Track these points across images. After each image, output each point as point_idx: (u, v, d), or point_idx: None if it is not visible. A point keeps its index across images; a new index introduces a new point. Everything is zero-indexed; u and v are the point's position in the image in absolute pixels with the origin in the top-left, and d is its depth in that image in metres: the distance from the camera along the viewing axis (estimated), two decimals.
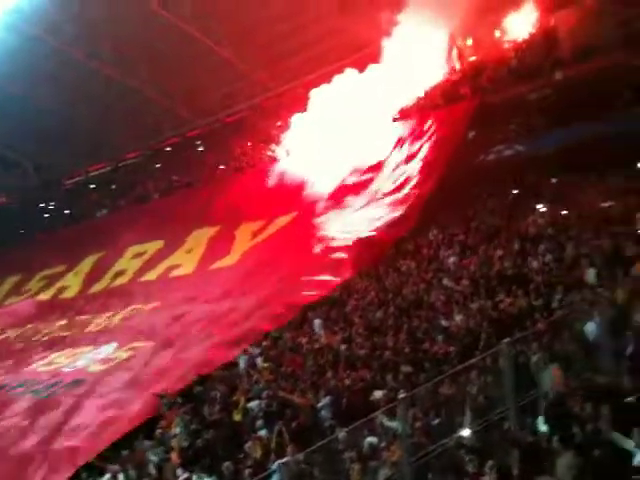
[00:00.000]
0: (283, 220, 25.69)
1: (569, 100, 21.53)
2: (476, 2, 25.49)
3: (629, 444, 6.97)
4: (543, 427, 8.48)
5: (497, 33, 26.79)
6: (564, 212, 17.36)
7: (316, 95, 29.21)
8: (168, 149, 39.19)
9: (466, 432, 9.11)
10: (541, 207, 18.77)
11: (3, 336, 27.21)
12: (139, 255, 29.06)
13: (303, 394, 13.21)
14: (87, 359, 20.32)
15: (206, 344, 18.52)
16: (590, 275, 12.70)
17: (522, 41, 25.67)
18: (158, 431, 14.55)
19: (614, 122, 20.52)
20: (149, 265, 27.88)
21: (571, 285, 12.55)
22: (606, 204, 16.36)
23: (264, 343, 17.12)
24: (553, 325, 10.74)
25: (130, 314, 24.05)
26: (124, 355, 19.46)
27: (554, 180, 20.82)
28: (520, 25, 26.15)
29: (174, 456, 13.33)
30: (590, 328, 10.11)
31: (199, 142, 38.01)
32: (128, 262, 29.07)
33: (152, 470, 13.40)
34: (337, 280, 19.37)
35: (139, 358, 18.86)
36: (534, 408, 9.03)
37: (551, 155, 21.28)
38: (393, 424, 9.83)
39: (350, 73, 28.13)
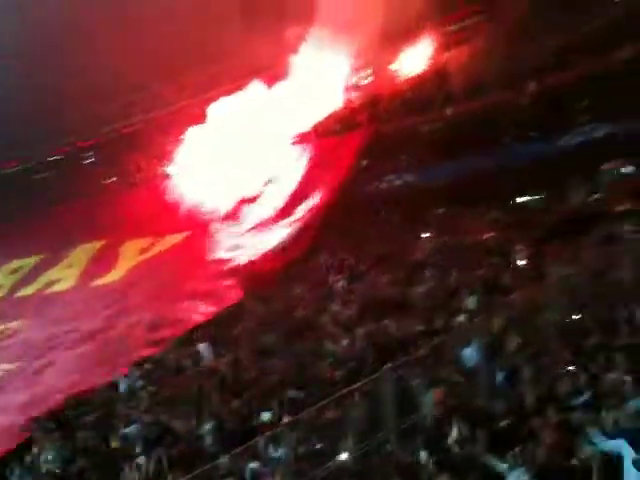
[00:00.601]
0: (173, 239, 25.12)
1: (458, 135, 22.54)
2: (375, 33, 26.30)
3: (502, 467, 7.21)
4: (422, 450, 8.64)
5: (394, 65, 27.70)
6: (448, 241, 18.03)
7: (214, 113, 28.96)
8: (56, 159, 37.48)
9: (345, 456, 9.13)
10: (427, 236, 19.44)
11: None
12: (17, 271, 27.48)
13: (185, 419, 12.81)
14: None
15: (82, 366, 17.68)
16: (470, 303, 13.22)
17: (416, 75, 26.66)
18: (28, 457, 13.63)
19: (499, 157, 21.69)
20: (26, 280, 26.40)
21: (453, 312, 12.97)
22: (487, 235, 17.12)
23: (145, 365, 16.52)
24: (434, 350, 11.03)
25: (2, 332, 22.61)
26: None
27: (440, 211, 21.65)
28: (416, 59, 27.16)
29: None
30: (468, 354, 10.47)
31: (90, 153, 36.61)
32: (4, 278, 27.40)
33: None
34: (225, 302, 19.11)
35: (10, 381, 17.71)
36: (415, 432, 9.19)
37: (439, 187, 22.13)
38: (277, 451, 9.71)
39: (250, 92, 28.13)
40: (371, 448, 9.30)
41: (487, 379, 9.52)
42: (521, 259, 14.58)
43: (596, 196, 17.15)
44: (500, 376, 9.52)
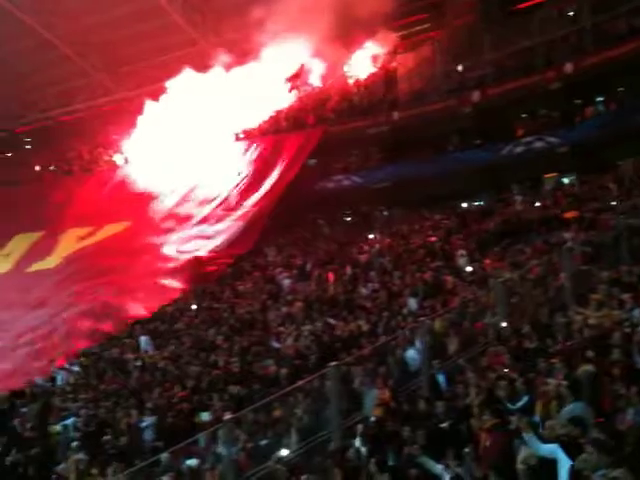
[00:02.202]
0: (113, 228, 24.69)
1: (403, 139, 23.00)
2: (327, 32, 26.43)
3: (438, 468, 7.42)
4: (363, 449, 8.82)
5: (344, 68, 27.91)
6: (393, 243, 18.35)
7: (161, 104, 28.54)
8: None
9: (285, 452, 9.22)
10: (372, 237, 19.74)
11: None
12: None
13: (126, 413, 12.65)
14: None
15: (17, 357, 17.24)
16: (412, 304, 13.51)
17: (365, 78, 26.95)
18: None
19: (443, 163, 22.22)
20: None
21: (395, 312, 13.24)
22: (430, 239, 17.50)
23: (83, 359, 16.23)
24: (377, 350, 11.25)
25: None
26: None
27: (385, 212, 22.02)
28: (364, 63, 27.45)
29: None
30: (410, 355, 10.73)
31: (28, 139, 35.49)
32: None
33: None
34: (168, 296, 18.95)
35: None
36: (357, 431, 9.35)
37: (384, 188, 22.52)
38: (218, 447, 9.72)
39: (199, 85, 27.80)
40: (314, 446, 9.41)
41: (429, 381, 9.77)
42: (463, 263, 14.97)
43: (537, 203, 17.75)
44: (441, 377, 9.82)
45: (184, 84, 27.75)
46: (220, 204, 23.87)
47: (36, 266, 23.72)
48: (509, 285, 11.55)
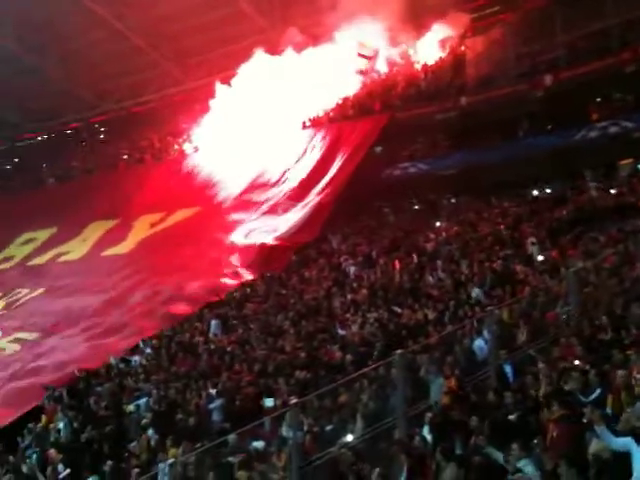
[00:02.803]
0: (184, 213, 25.22)
1: (472, 124, 22.53)
2: (395, 17, 26.21)
3: (507, 459, 7.31)
4: (429, 437, 8.78)
5: (410, 53, 27.60)
6: (460, 231, 18.07)
7: (229, 93, 28.97)
8: (69, 132, 37.59)
9: (350, 438, 9.26)
10: (439, 225, 19.50)
11: None
12: (30, 241, 27.71)
13: (195, 395, 12.99)
14: None
15: (94, 338, 17.91)
16: (479, 293, 13.29)
17: (432, 64, 26.56)
18: (39, 425, 13.87)
19: (512, 148, 21.70)
20: (39, 251, 26.68)
21: (462, 301, 13.06)
22: (499, 227, 17.16)
23: (155, 341, 16.71)
24: (444, 339, 11.14)
25: (15, 299, 22.89)
26: (8, 346, 18.45)
27: (452, 200, 21.69)
28: (431, 48, 27.05)
29: (53, 452, 12.74)
30: (478, 344, 10.57)
31: (103, 129, 36.71)
32: (17, 248, 27.65)
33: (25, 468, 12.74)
34: (237, 282, 19.28)
35: (24, 351, 17.96)
36: (422, 419, 9.31)
37: (452, 176, 22.19)
38: (284, 431, 9.87)
39: (267, 72, 28.05)
40: (379, 432, 9.43)
41: (498, 371, 9.61)
42: (534, 251, 14.60)
43: (612, 190, 17.13)
44: (509, 368, 9.64)
45: (252, 72, 28.07)
46: (286, 192, 24.05)
47: (110, 251, 24.51)
48: (582, 275, 11.21)
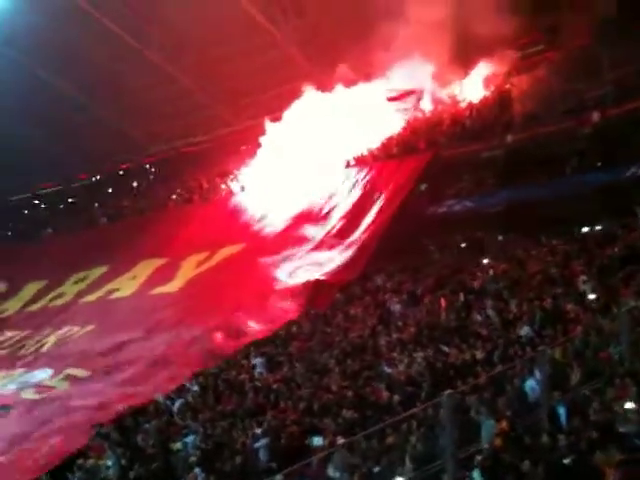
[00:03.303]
0: (229, 250, 25.55)
1: (518, 162, 22.39)
2: (437, 57, 26.50)
3: None
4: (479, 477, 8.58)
5: (455, 89, 27.77)
6: (508, 269, 17.81)
7: (275, 134, 29.54)
8: (121, 173, 38.76)
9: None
10: (486, 262, 19.25)
11: None
12: (81, 281, 28.41)
13: (241, 433, 13.00)
14: (19, 383, 19.61)
15: (142, 375, 18.13)
16: (530, 332, 13.03)
17: (477, 102, 26.64)
18: (89, 462, 14.04)
19: (560, 186, 21.43)
20: (90, 288, 27.31)
21: (512, 341, 12.82)
22: (549, 265, 16.86)
23: (201, 378, 16.82)
24: (494, 379, 10.93)
25: (65, 336, 23.41)
26: (59, 385, 18.83)
27: (500, 237, 21.45)
28: (476, 86, 27.17)
29: None
30: (530, 385, 10.34)
31: (153, 170, 37.73)
32: (69, 287, 28.36)
33: None
34: (283, 319, 19.34)
35: (74, 388, 18.29)
36: (472, 462, 9.11)
37: (499, 213, 21.97)
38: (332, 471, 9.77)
39: (313, 112, 28.56)
40: (428, 475, 9.26)
41: (550, 412, 9.37)
42: (585, 290, 14.30)
43: None
44: (562, 409, 9.39)
45: (299, 111, 28.59)
46: (331, 230, 24.21)
47: (159, 290, 24.91)
48: (635, 314, 10.92)
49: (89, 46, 31.38)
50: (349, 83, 28.16)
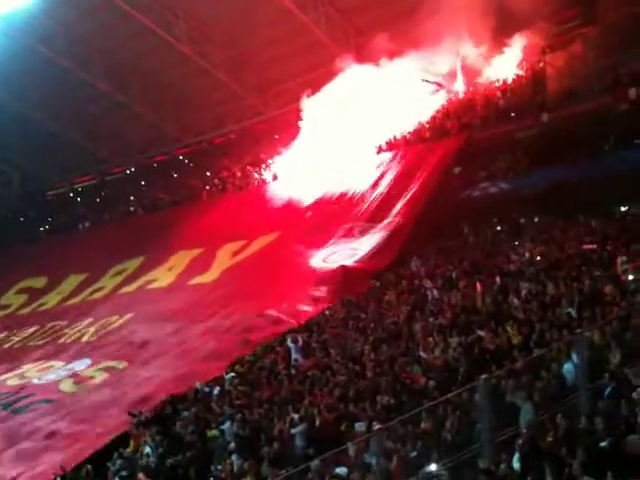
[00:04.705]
0: (265, 239, 25.64)
1: (554, 141, 21.92)
2: (468, 39, 26.06)
3: None
4: (517, 466, 8.47)
5: (486, 72, 27.27)
6: (545, 251, 17.49)
7: (306, 120, 29.44)
8: (155, 166, 39.19)
9: (433, 467, 9.03)
10: (522, 245, 18.93)
11: None
12: (120, 273, 28.86)
13: (277, 420, 13.06)
14: (58, 374, 20.03)
15: (180, 365, 18.35)
16: (569, 315, 12.77)
17: (511, 81, 26.13)
18: (128, 450, 14.29)
19: (598, 165, 20.93)
20: (128, 280, 27.77)
21: (549, 324, 12.58)
22: (587, 246, 16.50)
23: (238, 366, 16.94)
24: (531, 363, 10.76)
25: (104, 327, 23.83)
26: (97, 375, 19.19)
27: (536, 219, 21.07)
28: (509, 65, 26.64)
29: (141, 476, 13.08)
30: (568, 369, 10.15)
31: (186, 161, 38.04)
32: (108, 280, 28.85)
33: None
34: (318, 307, 19.36)
35: (112, 378, 18.61)
36: (509, 446, 9.00)
37: (535, 194, 21.60)
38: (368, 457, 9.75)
39: (342, 99, 28.35)
40: (463, 460, 9.17)
41: (589, 396, 9.18)
42: (624, 271, 13.94)
43: None
44: (601, 393, 9.19)
45: (329, 98, 28.42)
46: (363, 214, 24.11)
47: (196, 280, 25.17)
48: None
49: (123, 42, 31.70)
50: (380, 66, 27.83)
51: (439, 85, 27.76)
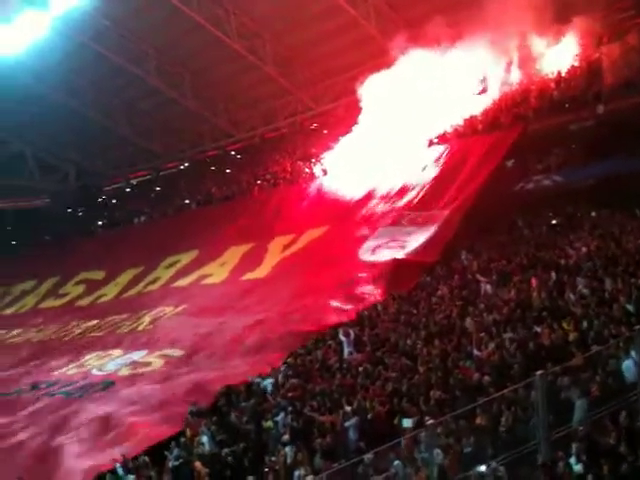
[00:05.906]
0: (313, 233, 25.79)
1: (610, 133, 21.39)
2: (522, 31, 25.58)
3: None
4: (575, 464, 8.40)
5: (541, 63, 26.72)
6: (602, 246, 17.12)
7: (356, 114, 29.41)
8: (207, 161, 39.78)
9: (485, 467, 8.98)
10: (578, 239, 18.57)
11: (35, 336, 27.86)
12: (173, 264, 29.48)
13: (330, 413, 13.19)
14: (117, 364, 20.61)
15: (235, 357, 18.67)
16: (627, 311, 12.51)
17: (565, 72, 25.58)
18: (184, 438, 14.64)
19: None
20: (182, 273, 28.30)
21: (607, 320, 12.36)
22: None
23: (291, 359, 17.14)
24: (588, 360, 10.61)
25: (159, 316, 24.41)
26: (155, 362, 19.67)
27: (593, 213, 20.63)
28: (563, 56, 26.06)
29: (198, 465, 13.39)
30: (627, 365, 9.98)
31: (238, 156, 38.48)
32: (162, 271, 29.49)
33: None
34: (368, 301, 19.39)
35: (168, 367, 19.06)
36: (565, 442, 8.93)
37: (590, 188, 21.17)
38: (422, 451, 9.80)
39: (393, 92, 28.19)
40: (520, 456, 9.13)
41: None
42: None
43: None
44: None
45: (380, 91, 28.30)
46: (409, 201, 24.00)
47: (249, 275, 25.52)
48: None
49: (175, 38, 32.24)
50: (432, 58, 27.54)
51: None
